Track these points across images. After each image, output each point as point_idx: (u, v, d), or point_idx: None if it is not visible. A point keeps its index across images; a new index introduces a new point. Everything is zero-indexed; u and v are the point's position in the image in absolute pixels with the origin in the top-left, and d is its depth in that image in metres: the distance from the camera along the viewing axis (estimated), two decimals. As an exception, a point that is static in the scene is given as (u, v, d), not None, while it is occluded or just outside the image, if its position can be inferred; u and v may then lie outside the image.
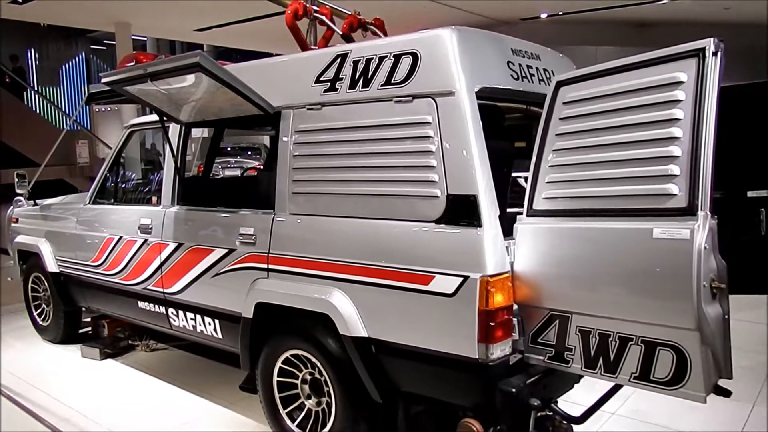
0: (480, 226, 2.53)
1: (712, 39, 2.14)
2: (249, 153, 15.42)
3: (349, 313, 2.89)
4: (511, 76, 3.01)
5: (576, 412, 2.94)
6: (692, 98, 2.13)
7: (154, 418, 3.92)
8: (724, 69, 2.12)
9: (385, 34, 4.12)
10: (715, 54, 2.12)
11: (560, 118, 2.51)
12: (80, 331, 5.41)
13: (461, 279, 2.54)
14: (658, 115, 2.21)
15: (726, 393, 2.19)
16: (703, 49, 2.13)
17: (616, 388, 3.24)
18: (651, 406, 3.90)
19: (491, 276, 2.48)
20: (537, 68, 3.25)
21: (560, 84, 2.55)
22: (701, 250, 2.05)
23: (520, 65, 3.11)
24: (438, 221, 2.66)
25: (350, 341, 2.88)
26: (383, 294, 2.80)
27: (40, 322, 5.45)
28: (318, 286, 3.03)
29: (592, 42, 13.90)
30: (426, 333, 2.69)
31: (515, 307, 2.60)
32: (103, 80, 3.57)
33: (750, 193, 3.22)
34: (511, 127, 3.55)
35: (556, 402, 2.87)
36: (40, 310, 5.45)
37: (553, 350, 2.51)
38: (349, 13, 4.14)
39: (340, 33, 3.86)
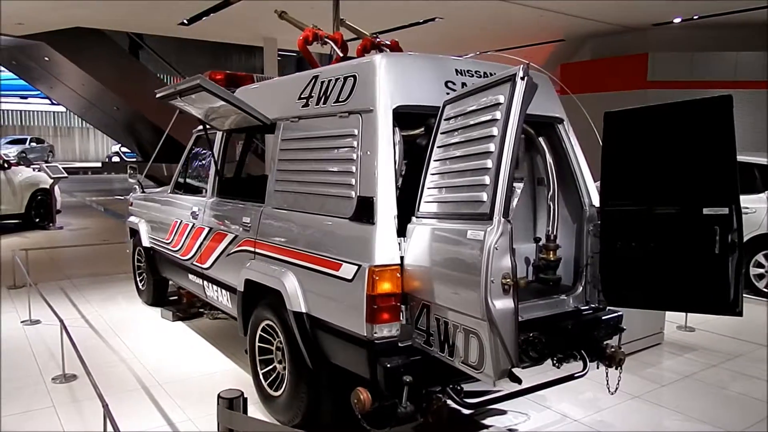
0: (374, 223, 2.99)
1: (521, 65, 2.41)
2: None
3: (294, 291, 3.47)
4: (447, 94, 3.37)
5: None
6: (504, 117, 2.42)
7: (188, 366, 4.86)
8: (532, 90, 2.38)
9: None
10: (522, 78, 2.40)
11: (441, 132, 2.88)
12: (171, 297, 6.55)
13: (357, 267, 3.01)
14: (484, 132, 2.53)
15: (518, 380, 2.43)
16: (514, 75, 2.42)
17: (538, 387, 3.50)
18: (617, 419, 4.00)
19: (377, 266, 2.93)
20: None
21: (446, 102, 2.92)
22: (491, 249, 2.34)
23: (463, 84, 3.45)
24: (351, 218, 3.15)
25: (292, 315, 3.46)
26: (315, 277, 3.35)
27: (140, 287, 6.69)
28: (278, 268, 3.65)
29: (733, 47, 12.88)
30: (338, 312, 3.20)
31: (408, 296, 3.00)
32: (158, 95, 4.48)
33: (706, 210, 3.24)
34: None
35: (459, 386, 3.19)
36: (141, 278, 6.68)
37: (425, 335, 2.89)
38: (366, 35, 4.68)
39: (341, 55, 4.40)
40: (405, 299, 2.99)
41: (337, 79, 3.47)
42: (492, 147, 2.48)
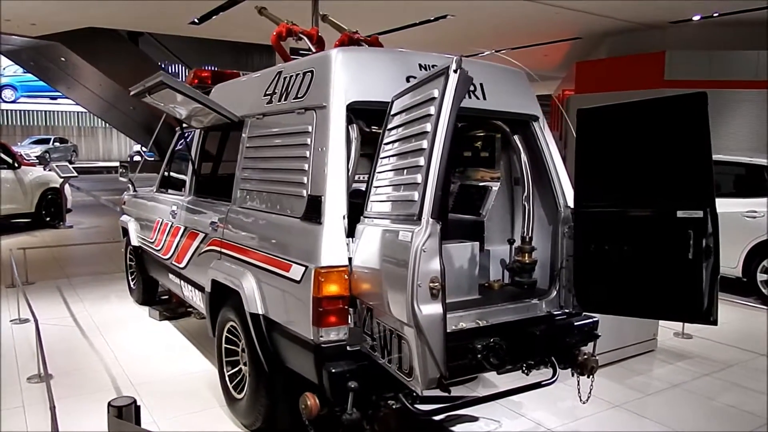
0: (321, 223, 2.89)
1: (454, 57, 2.29)
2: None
3: (251, 293, 3.39)
4: None
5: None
6: (436, 113, 2.30)
7: (166, 366, 4.81)
8: (465, 84, 2.26)
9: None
10: (455, 71, 2.27)
11: (387, 129, 2.77)
12: (163, 297, 6.52)
13: (304, 268, 2.92)
14: (419, 128, 2.41)
15: (446, 389, 2.30)
16: (447, 68, 2.29)
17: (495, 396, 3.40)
18: (592, 429, 3.84)
19: (323, 268, 2.83)
20: None
21: (394, 98, 2.81)
22: (419, 251, 2.22)
23: None
24: (302, 218, 3.06)
25: (249, 317, 3.37)
26: (270, 278, 3.26)
27: (132, 286, 6.69)
28: (239, 268, 3.58)
29: (754, 45, 12.44)
30: (289, 314, 3.11)
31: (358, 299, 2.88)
32: (132, 93, 4.43)
33: (680, 213, 3.09)
34: None
35: (412, 393, 3.06)
36: (132, 277, 6.68)
37: (371, 340, 2.78)
38: (346, 30, 4.58)
39: (314, 51, 4.31)
40: (354, 302, 2.88)
41: (297, 75, 3.38)
42: (425, 144, 2.36)
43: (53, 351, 5.00)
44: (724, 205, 6.59)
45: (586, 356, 3.48)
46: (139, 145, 31.66)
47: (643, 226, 3.21)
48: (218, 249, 3.94)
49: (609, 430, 3.82)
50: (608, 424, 3.90)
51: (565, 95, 15.74)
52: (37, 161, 16.36)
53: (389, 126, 2.78)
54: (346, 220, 2.91)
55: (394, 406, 2.90)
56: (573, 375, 3.55)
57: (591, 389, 3.56)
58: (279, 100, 3.51)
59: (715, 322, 3.02)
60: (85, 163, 30.93)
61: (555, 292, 3.57)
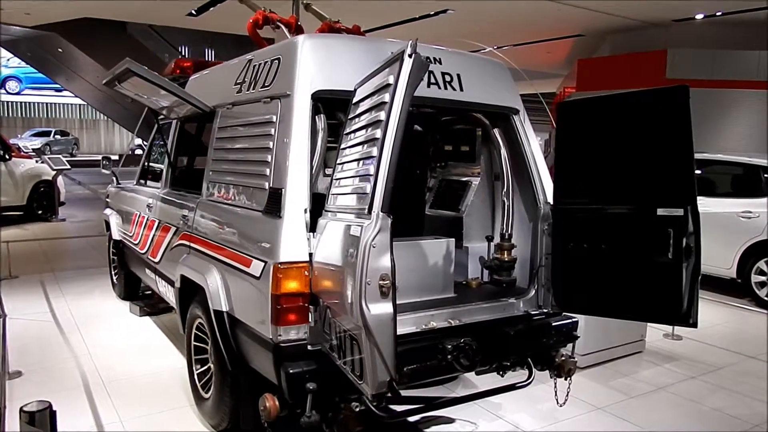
0: (281, 217, 2.76)
1: (410, 41, 2.16)
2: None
3: (216, 289, 3.26)
4: None
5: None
6: (390, 100, 2.17)
7: (140, 363, 4.69)
8: (420, 69, 2.13)
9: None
10: (410, 55, 2.15)
11: (349, 118, 2.64)
12: (146, 292, 6.40)
13: (263, 264, 2.80)
14: (375, 116, 2.28)
15: (397, 394, 2.18)
16: (403, 52, 2.17)
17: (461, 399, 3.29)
18: (574, 429, 3.72)
19: (282, 263, 2.70)
20: (432, 72, 3.29)
21: (356, 86, 2.68)
22: (368, 247, 2.09)
23: None
24: (263, 211, 2.94)
25: (213, 314, 3.25)
26: (233, 273, 3.14)
27: (114, 281, 6.58)
28: (205, 263, 3.46)
29: (756, 45, 12.24)
30: (250, 311, 2.99)
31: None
32: (103, 82, 4.32)
33: (660, 211, 2.97)
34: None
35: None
36: (115, 271, 6.56)
37: (329, 340, 2.65)
38: (327, 19, 4.45)
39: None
40: (316, 300, 2.76)
41: (266, 63, 3.26)
42: (378, 134, 2.23)
43: (27, 347, 4.93)
44: (719, 205, 6.70)
45: (563, 357, 3.36)
46: (140, 139, 31.71)
47: (622, 223, 3.09)
48: (188, 243, 3.82)
49: (588, 435, 3.70)
50: (588, 426, 3.78)
51: (567, 92, 15.56)
52: (34, 154, 16.21)
53: (351, 115, 2.65)
54: (308, 214, 2.78)
55: (357, 409, 2.78)
56: (551, 377, 3.43)
57: (568, 391, 3.44)
58: (248, 89, 3.39)
59: (695, 325, 2.90)
60: (87, 156, 30.81)
61: (533, 291, 3.45)
